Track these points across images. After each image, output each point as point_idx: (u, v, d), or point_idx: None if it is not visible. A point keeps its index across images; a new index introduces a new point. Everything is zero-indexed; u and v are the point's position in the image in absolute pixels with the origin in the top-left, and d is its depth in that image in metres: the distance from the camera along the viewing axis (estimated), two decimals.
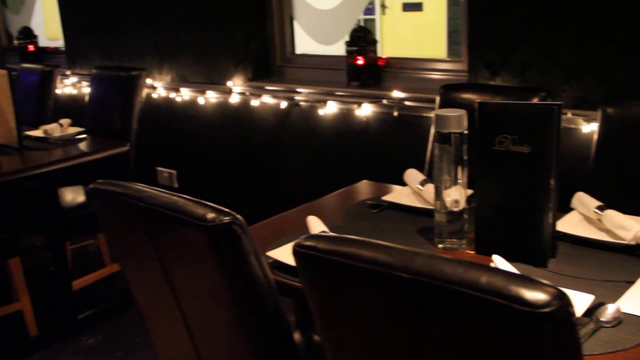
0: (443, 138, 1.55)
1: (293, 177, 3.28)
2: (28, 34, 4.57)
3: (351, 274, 0.88)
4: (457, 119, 1.53)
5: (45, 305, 3.00)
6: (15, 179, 2.80)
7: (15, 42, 4.76)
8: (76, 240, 3.57)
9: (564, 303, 0.74)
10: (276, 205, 2.18)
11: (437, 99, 2.30)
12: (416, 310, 0.85)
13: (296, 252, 0.93)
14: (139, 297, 1.41)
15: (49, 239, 3.00)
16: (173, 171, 3.82)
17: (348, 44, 3.00)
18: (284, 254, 1.49)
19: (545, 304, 0.73)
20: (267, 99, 3.26)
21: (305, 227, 1.67)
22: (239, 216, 1.08)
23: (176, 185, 3.83)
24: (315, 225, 1.65)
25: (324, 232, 1.59)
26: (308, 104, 3.13)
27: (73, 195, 3.17)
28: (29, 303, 2.88)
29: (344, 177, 3.04)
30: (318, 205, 2.01)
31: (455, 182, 1.57)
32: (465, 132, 1.55)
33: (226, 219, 1.06)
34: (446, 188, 1.58)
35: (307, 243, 0.92)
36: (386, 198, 1.93)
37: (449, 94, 2.29)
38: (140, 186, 1.20)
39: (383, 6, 7.04)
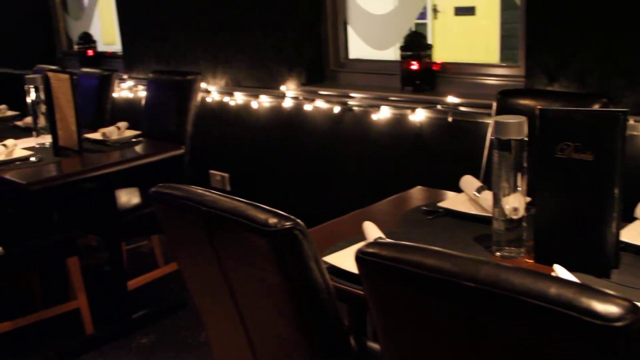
0: (503, 145, 1.53)
1: (345, 182, 3.28)
2: (87, 40, 4.70)
3: (414, 282, 0.88)
4: (517, 126, 1.51)
5: (100, 304, 3.06)
6: (75, 181, 2.88)
7: (75, 47, 4.90)
8: (131, 241, 3.64)
9: (637, 317, 0.72)
10: (328, 210, 2.19)
11: (494, 105, 2.27)
12: (480, 320, 0.84)
13: (359, 259, 0.93)
14: (197, 299, 1.43)
15: (105, 240, 3.07)
16: (225, 174, 3.87)
17: (402, 48, 2.99)
18: (340, 259, 1.49)
19: (618, 318, 0.71)
20: (320, 104, 3.28)
21: (360, 233, 1.67)
22: (300, 221, 1.09)
23: (228, 188, 3.88)
24: (372, 230, 1.65)
25: (380, 238, 1.59)
26: (361, 108, 3.13)
27: (128, 197, 3.24)
28: (85, 301, 2.95)
29: (397, 182, 3.03)
30: (372, 210, 2.01)
31: (514, 190, 1.55)
32: (526, 139, 1.52)
33: (288, 224, 1.07)
34: (505, 195, 1.56)
35: (370, 250, 0.92)
36: (442, 204, 1.92)
37: (506, 99, 2.26)
38: (202, 190, 1.22)
39: (435, 10, 6.99)
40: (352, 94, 3.16)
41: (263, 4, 3.42)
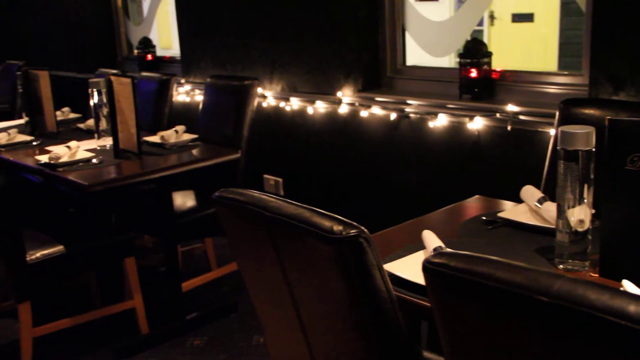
0: (569, 155, 1.49)
1: (400, 189, 3.26)
2: (147, 44, 4.80)
3: (484, 295, 0.86)
4: (585, 136, 1.48)
5: (154, 304, 3.12)
6: (134, 183, 2.94)
7: (135, 51, 5.01)
8: (184, 244, 3.69)
9: None
10: (382, 218, 2.18)
11: (557, 114, 2.22)
12: (553, 336, 0.82)
13: (426, 269, 0.92)
14: (257, 302, 1.44)
15: (162, 241, 3.12)
16: (279, 179, 3.90)
17: (462, 55, 2.96)
18: (399, 267, 1.48)
19: None
20: (377, 110, 3.27)
21: (417, 241, 1.66)
22: (365, 229, 1.09)
23: (282, 193, 3.90)
24: (431, 239, 1.63)
25: (440, 247, 1.57)
26: (418, 116, 3.11)
27: (184, 200, 3.29)
28: (141, 301, 3.00)
29: (453, 191, 3.00)
30: (429, 219, 1.99)
31: (580, 201, 1.51)
32: (593, 149, 1.48)
33: (353, 231, 1.06)
34: (570, 207, 1.52)
35: (438, 260, 0.91)
36: (502, 215, 1.88)
37: (569, 109, 2.21)
38: (266, 195, 1.22)
39: (492, 17, 6.90)
40: (409, 101, 3.14)
41: (321, 11, 3.43)
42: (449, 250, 0.93)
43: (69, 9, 5.52)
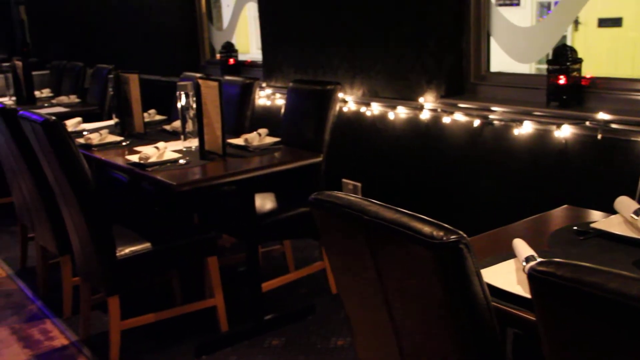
0: None
1: (482, 197, 3.22)
2: (229, 49, 4.92)
3: (594, 306, 0.85)
4: None
5: (233, 303, 3.19)
6: (218, 183, 3.02)
7: (217, 56, 5.14)
8: (264, 245, 3.75)
9: None
10: (463, 226, 2.15)
11: None
12: None
13: (532, 277, 0.92)
14: (349, 305, 1.46)
15: (242, 242, 3.18)
16: (358, 183, 3.92)
17: (550, 62, 2.90)
18: (490, 275, 1.47)
19: None
20: (459, 117, 3.24)
21: (504, 250, 1.65)
22: (464, 235, 1.09)
23: None
24: (523, 248, 1.61)
25: (532, 256, 1.55)
26: (502, 123, 3.07)
27: (265, 202, 3.35)
28: (222, 300, 3.08)
29: (538, 200, 2.95)
30: (515, 228, 1.97)
31: None
32: None
33: (453, 237, 1.07)
34: None
35: (544, 268, 0.91)
36: (595, 225, 1.84)
37: None
38: (363, 199, 1.24)
39: (576, 22, 6.72)
40: (493, 108, 3.10)
41: (404, 17, 3.44)
42: (556, 259, 0.92)
43: (155, 15, 5.72)
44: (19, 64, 5.37)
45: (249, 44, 6.21)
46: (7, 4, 9.18)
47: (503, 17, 3.24)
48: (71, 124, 3.82)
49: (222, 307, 3.08)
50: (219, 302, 3.08)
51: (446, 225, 1.10)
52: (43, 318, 3.38)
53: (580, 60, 2.88)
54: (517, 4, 6.88)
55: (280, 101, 4.36)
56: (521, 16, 6.67)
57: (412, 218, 1.13)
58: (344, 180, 3.99)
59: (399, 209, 1.19)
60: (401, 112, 3.55)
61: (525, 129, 2.98)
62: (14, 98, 5.42)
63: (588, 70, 2.94)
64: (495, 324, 1.15)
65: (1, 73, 6.13)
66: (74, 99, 5.55)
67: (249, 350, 2.98)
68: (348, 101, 3.84)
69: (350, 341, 2.99)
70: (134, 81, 3.64)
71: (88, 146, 3.34)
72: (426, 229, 1.09)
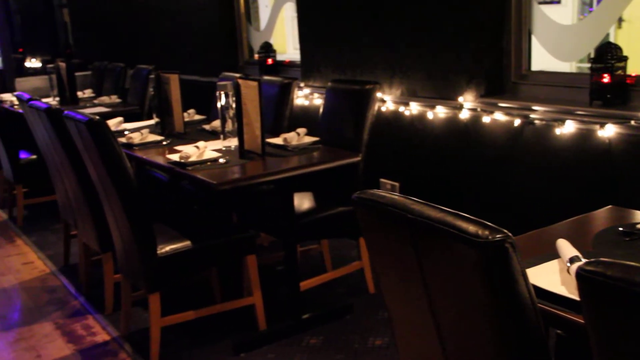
0: None
1: (522, 197, 3.18)
2: (268, 49, 4.95)
3: None
4: None
5: (271, 301, 3.20)
6: (257, 183, 3.04)
7: (256, 56, 5.18)
8: (301, 244, 3.77)
9: None
10: (504, 227, 2.14)
11: None
12: None
13: (581, 277, 0.91)
14: (391, 303, 1.46)
15: (283, 241, 3.20)
16: (396, 183, 3.91)
17: (593, 60, 2.86)
18: (535, 276, 1.46)
19: None
20: (499, 116, 3.21)
21: (547, 250, 1.63)
22: (510, 234, 1.08)
23: None
24: (567, 249, 1.59)
25: (576, 257, 1.53)
26: (543, 122, 3.03)
27: (303, 201, 3.36)
28: (261, 298, 3.10)
29: (581, 200, 2.90)
30: (557, 229, 1.94)
31: None
32: None
33: (499, 236, 1.06)
34: None
35: (593, 268, 0.90)
36: None
37: None
38: (406, 198, 1.24)
39: (620, 20, 6.58)
40: (534, 107, 3.06)
41: (444, 16, 3.42)
42: (605, 259, 0.91)
43: (194, 16, 5.78)
44: (62, 65, 5.49)
45: (285, 43, 6.24)
46: (50, 6, 9.38)
47: (545, 15, 3.20)
48: (113, 124, 3.88)
49: (261, 306, 3.11)
50: (258, 300, 3.10)
51: (491, 224, 1.09)
52: (85, 314, 3.45)
53: (625, 58, 2.83)
54: (558, 2, 6.78)
55: (317, 101, 4.37)
56: (562, 14, 6.56)
57: (457, 217, 1.13)
58: (382, 180, 3.98)
59: (443, 207, 1.18)
60: (440, 112, 3.53)
61: (568, 128, 2.94)
62: (57, 98, 5.54)
63: (633, 69, 2.88)
64: (541, 325, 1.14)
65: (45, 74, 6.27)
66: (114, 99, 5.65)
67: (286, 348, 2.99)
68: (386, 101, 3.83)
69: (388, 341, 2.99)
70: (174, 81, 3.69)
71: (129, 145, 3.39)
72: (471, 228, 1.08)
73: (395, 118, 3.80)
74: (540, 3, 3.24)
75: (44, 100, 4.38)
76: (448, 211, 1.16)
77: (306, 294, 3.25)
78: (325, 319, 3.21)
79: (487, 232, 1.07)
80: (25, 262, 4.25)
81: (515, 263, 1.08)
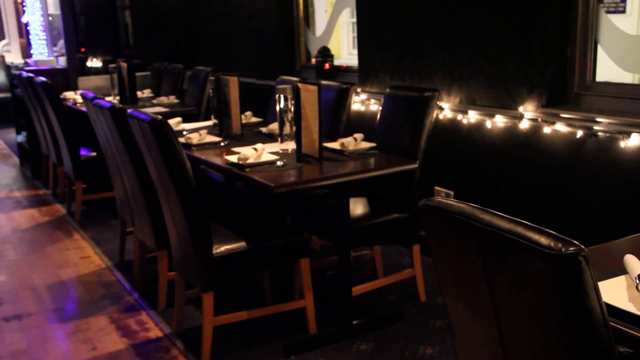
0: None
1: (585, 211, 3.11)
2: (325, 54, 4.97)
3: None
4: None
5: (321, 305, 3.21)
6: (313, 186, 3.05)
7: (313, 60, 5.20)
8: (354, 250, 3.77)
9: None
10: None
11: None
12: None
13: None
14: (453, 312, 1.45)
15: (337, 245, 3.20)
16: (451, 192, 3.87)
17: None
18: (602, 292, 1.42)
19: None
20: (561, 127, 3.15)
21: (613, 266, 1.59)
22: (584, 247, 1.06)
23: None
24: (635, 265, 1.55)
25: None
26: (607, 135, 2.96)
27: (358, 206, 3.36)
28: (312, 302, 3.11)
29: None
30: (623, 244, 1.89)
31: None
32: None
33: (572, 249, 1.05)
34: None
35: None
36: None
37: None
38: (475, 207, 1.23)
39: None
40: (597, 119, 2.99)
41: (506, 22, 3.37)
42: None
43: (253, 20, 5.85)
44: (124, 65, 5.62)
45: (340, 48, 6.25)
46: (114, 8, 9.63)
47: (613, 24, 3.13)
48: (172, 124, 3.94)
49: (312, 309, 3.12)
50: (309, 303, 3.11)
51: (564, 237, 1.07)
52: (139, 309, 3.52)
53: None
54: (622, 12, 6.63)
55: (374, 107, 4.36)
56: (627, 24, 6.42)
57: (527, 228, 1.11)
58: (437, 188, 3.95)
59: (513, 218, 1.17)
60: (499, 121, 3.48)
61: (633, 141, 2.86)
62: (117, 97, 5.68)
63: None
64: (612, 342, 1.11)
65: (106, 74, 6.44)
66: (173, 99, 5.76)
67: (337, 353, 2.99)
68: (444, 108, 3.80)
69: (439, 350, 2.96)
70: (233, 83, 3.74)
71: (188, 145, 3.45)
72: (543, 239, 1.07)
73: (453, 126, 3.77)
74: (607, 12, 3.17)
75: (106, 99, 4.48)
76: (519, 221, 1.14)
77: (357, 299, 3.25)
78: (376, 326, 3.20)
79: (560, 245, 1.05)
80: (83, 257, 4.36)
81: (588, 277, 1.06)
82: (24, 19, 12.14)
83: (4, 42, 12.41)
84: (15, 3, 12.33)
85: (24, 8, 11.98)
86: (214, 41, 6.67)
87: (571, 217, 3.18)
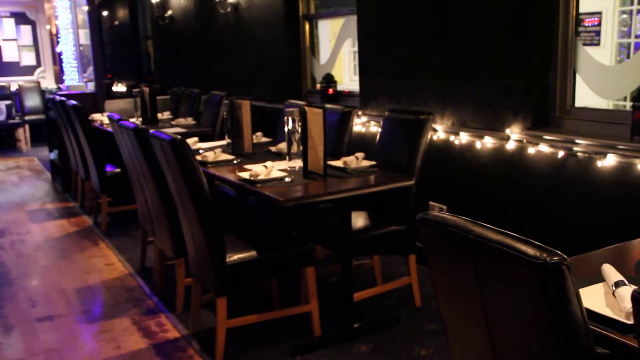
0: None
1: (566, 225, 3.12)
2: (329, 80, 5.00)
3: None
4: None
5: (324, 310, 3.21)
6: (320, 201, 3.06)
7: (318, 85, 5.24)
8: (355, 258, 3.77)
9: None
10: None
11: None
12: None
13: (636, 299, 0.90)
14: (448, 318, 1.46)
15: (340, 255, 3.20)
16: (444, 206, 3.88)
17: (635, 99, 2.80)
18: (582, 298, 1.43)
19: None
20: (544, 148, 3.17)
21: (589, 275, 1.60)
22: (566, 257, 1.07)
23: None
24: (612, 273, 1.56)
25: (621, 281, 1.50)
26: (586, 155, 2.98)
27: (358, 219, 3.37)
28: (317, 307, 3.11)
29: (620, 229, 2.83)
30: (600, 254, 1.90)
31: None
32: None
33: (556, 258, 1.06)
34: None
35: None
36: None
37: None
38: (468, 220, 1.25)
39: None
40: (577, 140, 3.01)
41: (494, 52, 3.40)
42: None
43: (264, 49, 5.89)
44: (146, 90, 5.66)
45: (342, 75, 6.29)
46: (137, 39, 9.72)
47: (589, 56, 3.16)
48: (189, 143, 3.97)
49: (317, 313, 3.12)
50: (314, 308, 3.11)
51: (548, 247, 1.09)
52: (158, 312, 3.52)
53: None
54: (597, 44, 6.67)
55: (374, 128, 4.39)
56: (602, 55, 6.45)
57: (516, 239, 1.13)
58: (431, 202, 3.96)
59: (503, 230, 1.18)
60: (488, 142, 3.50)
61: (609, 161, 2.88)
62: (140, 119, 5.71)
63: None
64: (591, 344, 1.12)
65: (130, 97, 6.48)
66: (190, 120, 5.79)
67: (339, 353, 2.99)
68: (438, 130, 3.82)
69: (433, 351, 2.96)
70: (245, 106, 3.77)
71: (204, 163, 3.47)
72: (530, 250, 1.08)
73: (446, 146, 3.79)
74: (584, 45, 3.20)
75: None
76: (508, 233, 1.15)
77: (358, 304, 3.25)
78: (375, 329, 3.20)
79: (545, 255, 1.06)
80: (108, 264, 4.37)
81: (570, 284, 1.07)
82: (58, 49, 12.32)
83: (39, 69, 12.60)
84: (51, 35, 12.53)
85: (59, 39, 12.16)
86: (228, 68, 6.72)
87: (554, 229, 3.18)
